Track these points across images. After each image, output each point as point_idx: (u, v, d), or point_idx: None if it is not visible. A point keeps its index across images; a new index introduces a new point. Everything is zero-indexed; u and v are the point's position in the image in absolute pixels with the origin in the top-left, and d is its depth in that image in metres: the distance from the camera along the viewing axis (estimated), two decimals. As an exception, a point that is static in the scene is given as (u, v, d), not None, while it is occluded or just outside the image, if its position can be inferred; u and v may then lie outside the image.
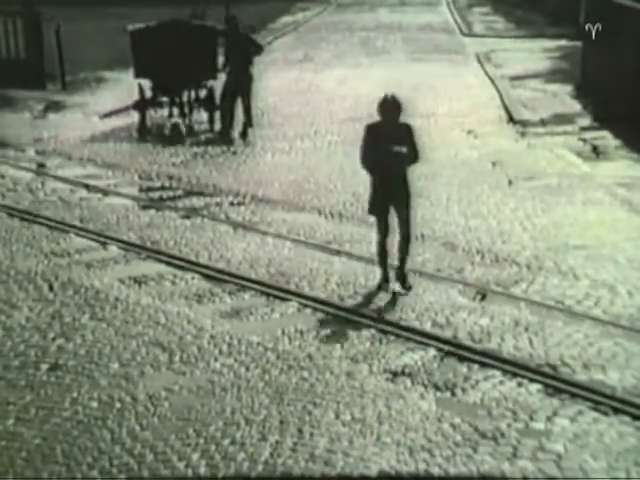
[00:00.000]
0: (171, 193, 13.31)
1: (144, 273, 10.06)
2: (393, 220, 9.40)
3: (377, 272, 9.95)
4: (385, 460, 6.44)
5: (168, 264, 10.31)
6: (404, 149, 9.09)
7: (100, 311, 9.06)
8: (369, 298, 9.27)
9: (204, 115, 17.73)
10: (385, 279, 9.44)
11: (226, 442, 6.70)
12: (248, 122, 16.76)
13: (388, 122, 9.19)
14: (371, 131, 9.32)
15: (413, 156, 9.25)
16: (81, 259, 10.56)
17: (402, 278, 9.41)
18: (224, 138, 16.62)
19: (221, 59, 17.20)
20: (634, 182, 13.29)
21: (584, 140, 16.03)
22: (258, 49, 17.13)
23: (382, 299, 9.23)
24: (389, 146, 9.05)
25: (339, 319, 8.77)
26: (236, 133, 16.79)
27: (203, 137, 16.97)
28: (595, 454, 6.48)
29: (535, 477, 6.26)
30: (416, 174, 13.71)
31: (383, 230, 9.38)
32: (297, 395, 7.34)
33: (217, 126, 17.27)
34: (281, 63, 25.53)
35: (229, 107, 16.71)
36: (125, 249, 10.83)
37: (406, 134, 9.21)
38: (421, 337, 8.29)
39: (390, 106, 9.23)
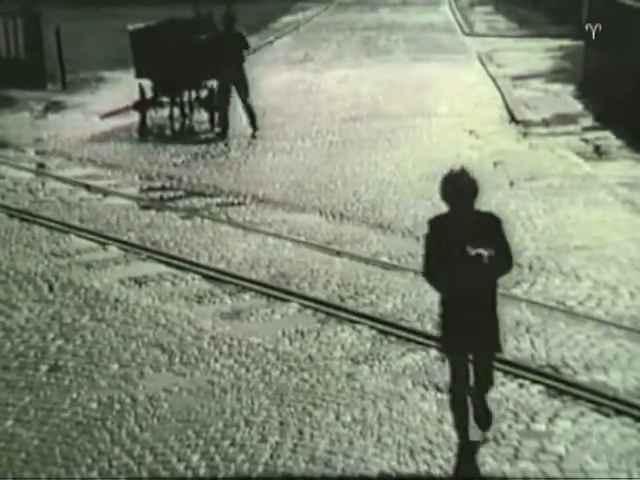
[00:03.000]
0: (171, 193, 13.28)
1: (144, 274, 10.03)
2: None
3: (378, 273, 9.94)
4: (386, 461, 6.41)
5: (168, 265, 10.28)
6: (488, 252, 6.03)
7: (100, 312, 9.03)
8: (371, 300, 9.23)
9: (205, 115, 17.72)
10: (465, 444, 6.49)
11: (226, 443, 6.67)
12: (252, 119, 16.87)
13: (460, 212, 6.16)
14: (436, 228, 6.29)
15: (504, 263, 6.21)
16: (81, 260, 10.53)
17: (481, 417, 6.61)
18: (221, 136, 16.71)
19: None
20: (636, 182, 13.26)
21: (586, 140, 16.00)
22: (246, 45, 17.18)
23: (383, 299, 9.19)
24: (465, 249, 6.02)
25: (340, 320, 8.74)
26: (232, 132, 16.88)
27: (204, 137, 16.95)
28: (597, 456, 6.44)
29: (536, 478, 6.22)
30: (417, 175, 13.84)
31: (461, 376, 6.38)
32: (297, 396, 7.31)
33: (217, 126, 17.30)
34: (282, 63, 25.52)
35: (225, 104, 16.87)
36: (125, 250, 10.80)
37: (490, 229, 6.19)
38: (422, 338, 8.26)
39: (462, 188, 6.15)
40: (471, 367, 6.39)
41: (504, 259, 6.19)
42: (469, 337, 6.25)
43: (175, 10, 23.21)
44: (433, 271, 6.25)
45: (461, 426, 6.44)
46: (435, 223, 6.34)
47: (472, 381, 6.41)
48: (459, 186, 6.16)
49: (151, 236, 11.27)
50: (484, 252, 6.01)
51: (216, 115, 17.41)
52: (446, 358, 6.47)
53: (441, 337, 6.48)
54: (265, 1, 38.61)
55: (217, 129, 17.11)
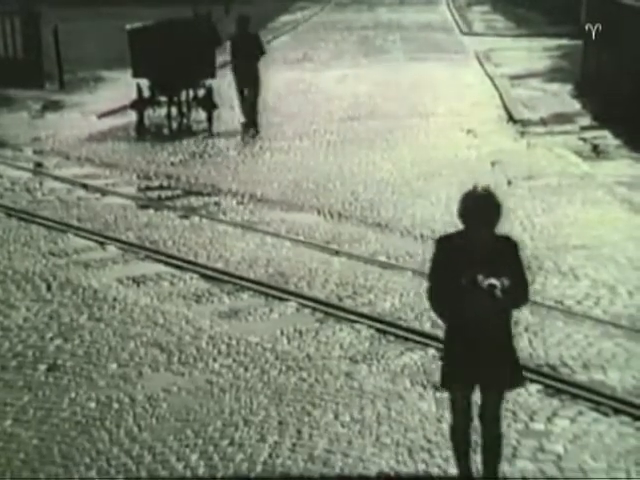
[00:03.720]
0: (169, 193, 13.28)
1: (142, 273, 10.03)
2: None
3: (376, 272, 9.94)
4: (384, 461, 6.42)
5: (167, 264, 10.28)
6: (503, 282, 5.35)
7: (98, 311, 9.02)
8: (369, 299, 9.23)
9: (202, 114, 17.73)
10: (466, 476, 5.95)
11: (225, 443, 6.67)
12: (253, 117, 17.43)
13: (477, 235, 5.49)
14: (446, 249, 5.64)
15: (519, 294, 5.54)
16: (79, 259, 10.52)
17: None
18: (249, 131, 17.18)
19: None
20: (634, 181, 13.27)
21: (584, 139, 16.00)
22: (261, 50, 17.63)
23: (381, 298, 9.19)
24: (477, 276, 5.35)
25: (338, 319, 8.74)
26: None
27: (201, 136, 16.94)
28: (595, 455, 6.45)
29: (535, 477, 6.23)
30: (415, 174, 13.84)
31: (461, 414, 5.83)
32: (296, 396, 7.31)
33: (215, 125, 17.37)
34: (280, 62, 25.50)
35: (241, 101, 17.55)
36: (123, 249, 10.80)
37: (507, 256, 5.55)
38: (420, 337, 8.26)
39: (481, 207, 5.47)
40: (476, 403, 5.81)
41: (520, 290, 5.52)
42: (475, 370, 5.60)
43: (173, 10, 23.23)
44: (438, 299, 5.63)
45: (462, 462, 5.92)
46: (445, 243, 5.66)
47: (478, 421, 5.86)
48: (482, 207, 5.45)
49: (149, 235, 11.26)
50: (497, 283, 5.32)
51: (213, 114, 17.50)
52: (447, 391, 5.89)
53: (445, 374, 5.77)
54: (263, 1, 38.59)
55: (246, 127, 17.36)
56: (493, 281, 5.32)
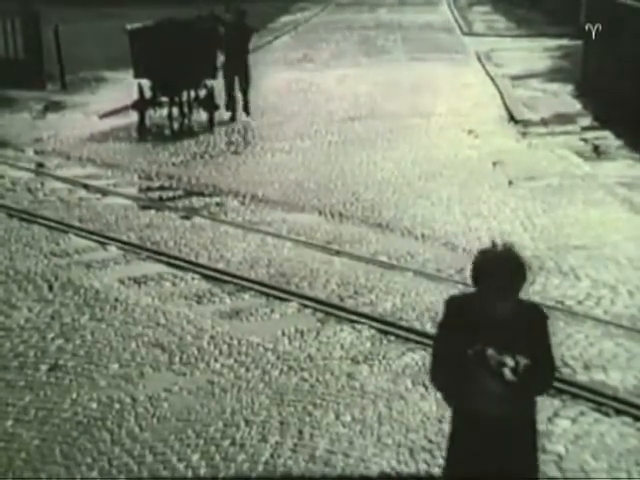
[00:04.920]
0: (171, 193, 13.28)
1: (144, 273, 10.03)
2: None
3: (377, 272, 9.94)
4: (385, 461, 6.42)
5: (168, 264, 10.28)
6: (519, 361, 4.30)
7: (99, 311, 9.03)
8: (370, 299, 9.24)
9: (203, 115, 17.74)
10: None
11: (226, 443, 6.68)
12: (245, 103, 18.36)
13: (493, 302, 4.41)
14: (456, 313, 4.57)
15: (540, 378, 4.47)
16: (80, 259, 10.53)
17: None
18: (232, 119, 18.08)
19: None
20: (635, 182, 13.27)
21: (585, 140, 16.01)
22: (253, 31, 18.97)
23: (382, 299, 9.20)
24: (486, 349, 4.30)
25: (339, 319, 8.75)
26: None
27: (203, 137, 16.95)
28: (596, 455, 6.45)
29: (536, 478, 6.23)
30: (416, 174, 13.85)
31: None
32: (297, 396, 7.32)
33: (216, 126, 17.40)
34: (281, 63, 25.52)
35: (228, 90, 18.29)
36: (125, 249, 10.80)
37: (530, 329, 4.47)
38: (422, 337, 8.26)
39: (500, 271, 4.39)
40: None
41: (541, 373, 4.42)
42: (495, 467, 4.51)
43: (174, 10, 23.23)
44: (443, 374, 4.56)
45: None
46: (455, 305, 4.58)
47: None
48: (501, 272, 4.37)
49: (151, 236, 11.27)
50: (510, 361, 4.25)
51: (215, 115, 17.54)
52: None
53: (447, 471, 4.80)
54: (264, 1, 38.58)
55: (228, 113, 18.16)
56: (507, 360, 4.26)
